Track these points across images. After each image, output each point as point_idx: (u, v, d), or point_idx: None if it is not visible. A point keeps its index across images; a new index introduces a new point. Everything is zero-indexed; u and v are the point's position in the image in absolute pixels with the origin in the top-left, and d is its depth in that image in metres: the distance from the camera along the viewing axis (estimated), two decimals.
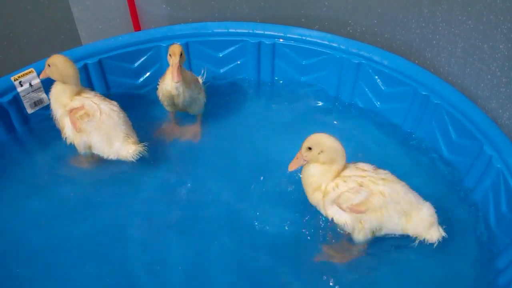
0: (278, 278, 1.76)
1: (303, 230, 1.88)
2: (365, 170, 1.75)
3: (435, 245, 1.73)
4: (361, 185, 1.70)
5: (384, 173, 1.76)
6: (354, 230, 1.73)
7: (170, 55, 1.95)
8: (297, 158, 1.76)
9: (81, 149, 2.02)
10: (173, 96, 2.07)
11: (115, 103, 2.08)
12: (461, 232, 1.88)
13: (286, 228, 1.89)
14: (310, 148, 1.70)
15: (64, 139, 2.04)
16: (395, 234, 1.76)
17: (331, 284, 1.73)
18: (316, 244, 1.83)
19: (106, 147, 1.98)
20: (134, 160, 1.96)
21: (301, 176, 1.81)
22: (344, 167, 1.75)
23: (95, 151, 2.02)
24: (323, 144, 1.69)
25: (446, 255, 1.80)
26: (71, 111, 2.00)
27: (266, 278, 1.76)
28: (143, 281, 1.74)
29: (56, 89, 2.04)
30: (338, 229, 1.83)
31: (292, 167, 1.78)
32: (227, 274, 1.77)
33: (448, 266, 1.78)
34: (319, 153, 1.70)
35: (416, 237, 1.75)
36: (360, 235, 1.74)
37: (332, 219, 1.75)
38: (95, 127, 1.98)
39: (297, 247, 1.84)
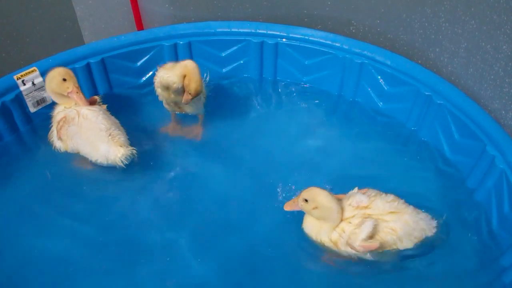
0: (280, 280, 1.76)
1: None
2: (365, 207, 1.73)
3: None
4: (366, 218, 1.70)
5: (389, 204, 1.74)
6: (377, 259, 1.74)
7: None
8: (294, 202, 1.78)
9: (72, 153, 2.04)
10: (168, 86, 2.06)
11: (97, 105, 2.07)
12: (463, 232, 1.87)
13: (288, 230, 1.88)
14: (306, 200, 1.71)
15: (57, 150, 2.05)
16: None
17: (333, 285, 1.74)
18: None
19: (92, 151, 1.96)
20: (123, 166, 1.93)
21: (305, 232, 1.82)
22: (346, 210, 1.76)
23: (85, 156, 2.00)
24: (318, 202, 1.69)
25: (448, 256, 1.80)
26: (57, 123, 2.02)
27: (268, 279, 1.76)
28: (147, 281, 1.74)
29: (56, 108, 2.08)
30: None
31: (287, 207, 1.80)
32: (228, 274, 1.76)
33: (451, 267, 1.78)
34: (313, 208, 1.70)
35: None
36: (383, 260, 1.76)
37: (355, 255, 1.74)
38: (76, 132, 1.97)
39: (300, 249, 1.83)
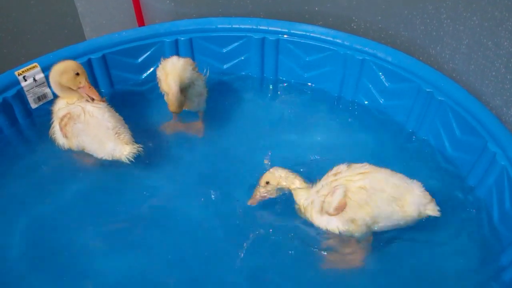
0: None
1: (308, 233, 1.87)
2: (338, 173, 1.77)
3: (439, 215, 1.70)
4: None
5: (360, 166, 1.76)
6: (350, 231, 1.73)
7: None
8: (256, 195, 1.89)
9: (76, 151, 2.03)
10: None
11: (102, 103, 2.06)
12: (464, 229, 1.87)
13: (288, 231, 1.88)
14: (267, 183, 1.84)
15: (60, 147, 2.05)
16: (400, 226, 1.73)
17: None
18: (320, 248, 1.83)
19: (98, 148, 1.95)
20: (129, 162, 1.93)
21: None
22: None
23: (90, 153, 2.00)
24: (274, 177, 1.83)
25: (449, 252, 1.80)
26: (60, 120, 2.01)
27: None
28: (150, 278, 1.75)
29: (57, 103, 2.08)
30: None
31: (252, 202, 1.90)
32: (228, 275, 1.76)
33: (452, 263, 1.78)
34: (277, 185, 1.83)
35: (420, 217, 1.71)
36: (358, 233, 1.73)
37: (327, 230, 1.76)
38: (82, 129, 1.96)
39: (301, 251, 1.83)
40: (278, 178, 1.83)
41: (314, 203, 1.77)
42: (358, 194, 1.67)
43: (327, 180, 1.77)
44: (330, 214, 1.72)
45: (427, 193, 1.70)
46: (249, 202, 1.89)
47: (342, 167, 1.79)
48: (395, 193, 1.67)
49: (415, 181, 1.73)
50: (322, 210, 1.74)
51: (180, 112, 2.07)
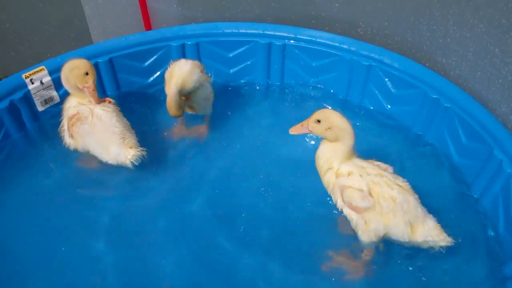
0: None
1: (310, 234, 1.88)
2: (385, 170, 1.75)
3: (443, 249, 1.71)
4: (372, 190, 1.68)
5: (402, 181, 1.75)
6: (358, 228, 1.72)
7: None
8: (302, 125, 1.75)
9: (82, 152, 2.03)
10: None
11: (111, 105, 2.06)
12: (470, 236, 1.87)
13: (291, 232, 1.88)
14: (319, 121, 1.70)
15: (66, 146, 2.05)
16: (401, 243, 1.73)
17: None
18: (324, 250, 1.83)
19: (103, 152, 1.95)
20: (133, 167, 1.93)
21: (315, 157, 1.80)
22: (363, 160, 1.75)
23: (95, 155, 2.00)
24: (332, 121, 1.69)
25: (454, 261, 1.79)
26: (69, 119, 2.00)
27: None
28: (153, 278, 1.75)
29: (68, 101, 2.07)
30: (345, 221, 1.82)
31: (293, 131, 1.77)
32: (230, 274, 1.77)
33: (457, 272, 1.77)
34: (326, 129, 1.70)
35: (425, 244, 1.72)
36: (364, 236, 1.72)
37: (342, 211, 1.74)
38: (88, 131, 1.96)
39: (304, 252, 1.83)
40: (333, 123, 1.69)
41: (345, 178, 1.70)
42: (386, 202, 1.67)
43: (373, 171, 1.71)
44: (342, 198, 1.70)
45: (438, 227, 1.70)
46: (291, 131, 1.78)
47: (389, 168, 1.78)
48: (413, 221, 1.69)
49: (430, 215, 1.73)
50: (341, 190, 1.70)
51: (179, 116, 2.06)
